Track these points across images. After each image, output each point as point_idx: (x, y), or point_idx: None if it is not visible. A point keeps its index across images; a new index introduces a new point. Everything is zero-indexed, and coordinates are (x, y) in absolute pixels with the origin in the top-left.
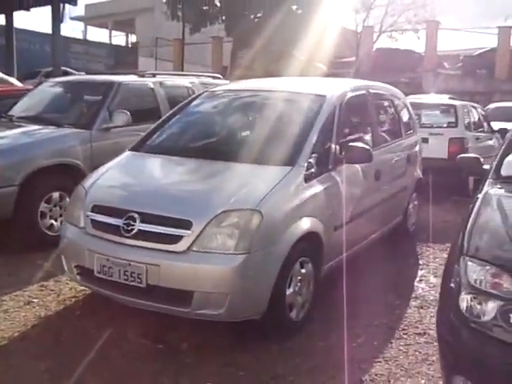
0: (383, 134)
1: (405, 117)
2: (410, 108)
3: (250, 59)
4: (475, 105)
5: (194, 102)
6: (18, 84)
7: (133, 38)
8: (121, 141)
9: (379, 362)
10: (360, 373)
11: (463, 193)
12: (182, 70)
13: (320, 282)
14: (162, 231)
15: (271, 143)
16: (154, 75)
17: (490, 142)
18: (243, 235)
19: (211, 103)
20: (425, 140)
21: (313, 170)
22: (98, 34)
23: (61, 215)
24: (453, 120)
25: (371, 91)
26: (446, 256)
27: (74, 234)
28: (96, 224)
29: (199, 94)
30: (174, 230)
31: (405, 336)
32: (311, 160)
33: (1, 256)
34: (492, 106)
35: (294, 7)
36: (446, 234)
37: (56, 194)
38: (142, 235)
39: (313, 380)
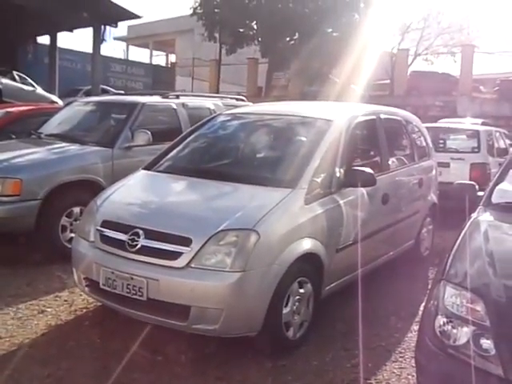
0: (393, 159)
1: (419, 142)
2: (426, 133)
3: (285, 81)
4: (501, 130)
5: (207, 125)
6: (59, 101)
7: (173, 58)
8: (141, 159)
9: (370, 383)
10: None
11: None
12: (218, 90)
13: (320, 302)
14: (164, 247)
15: (275, 166)
16: (177, 96)
17: None
18: (239, 254)
19: (223, 126)
20: (446, 165)
21: (315, 192)
22: (139, 54)
23: None
24: (475, 145)
25: (382, 116)
26: None
27: (84, 248)
28: (104, 238)
29: (213, 117)
30: (174, 246)
31: (401, 359)
32: (313, 182)
33: (22, 267)
34: None
35: (330, 30)
36: None
37: (77, 209)
38: (145, 250)
39: None
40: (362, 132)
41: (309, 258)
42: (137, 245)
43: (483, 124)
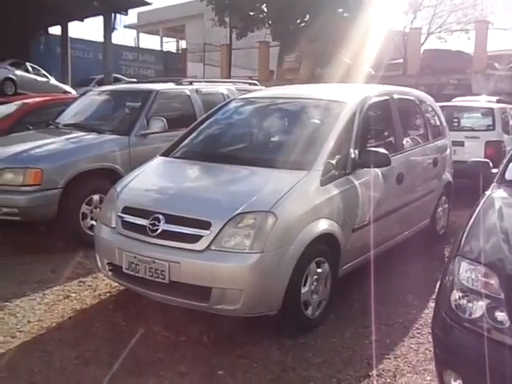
0: (407, 139)
1: (432, 121)
2: (440, 112)
3: (297, 63)
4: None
5: (222, 110)
6: (72, 91)
7: (183, 44)
8: (157, 146)
9: (388, 358)
10: (368, 368)
11: None
12: (229, 75)
13: (338, 281)
14: (184, 231)
15: (290, 148)
16: (190, 83)
17: None
18: (258, 235)
19: (237, 110)
20: (461, 143)
21: (330, 173)
22: (149, 41)
23: None
24: (490, 123)
25: (395, 96)
26: None
27: (106, 234)
28: (125, 224)
29: (227, 102)
30: (194, 230)
31: (418, 335)
32: (328, 164)
33: (45, 254)
34: None
35: (340, 10)
36: None
37: (96, 197)
38: (166, 235)
39: (321, 373)
40: (376, 113)
41: (325, 238)
42: (158, 229)
43: (498, 101)
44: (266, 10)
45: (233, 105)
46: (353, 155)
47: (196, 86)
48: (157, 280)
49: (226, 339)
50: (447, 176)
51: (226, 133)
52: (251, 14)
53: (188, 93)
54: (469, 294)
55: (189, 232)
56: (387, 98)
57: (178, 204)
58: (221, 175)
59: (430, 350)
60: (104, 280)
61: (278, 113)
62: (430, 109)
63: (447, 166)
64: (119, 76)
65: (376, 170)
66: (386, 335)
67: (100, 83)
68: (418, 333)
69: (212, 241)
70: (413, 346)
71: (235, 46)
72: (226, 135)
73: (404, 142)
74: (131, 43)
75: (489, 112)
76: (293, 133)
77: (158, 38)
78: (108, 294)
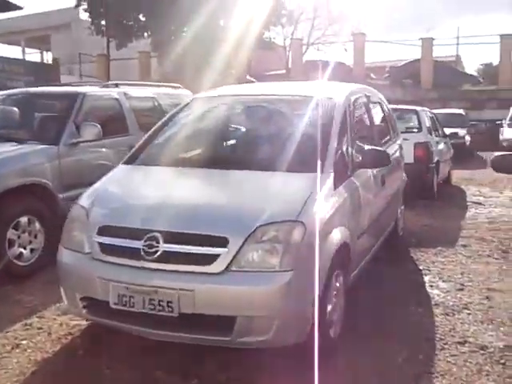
0: (381, 137)
1: (391, 119)
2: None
3: (177, 74)
4: (427, 109)
5: (187, 110)
6: None
7: (49, 56)
8: (92, 156)
9: (436, 376)
10: None
11: (430, 196)
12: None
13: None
14: (193, 251)
15: (293, 149)
16: (116, 85)
17: (441, 146)
18: (286, 250)
19: (208, 110)
20: None
21: (337, 175)
22: (9, 52)
23: (30, 242)
24: (417, 125)
25: (367, 94)
26: (441, 260)
27: (78, 261)
28: (106, 248)
29: (188, 102)
30: (207, 248)
31: (446, 346)
32: (335, 165)
33: None
34: None
35: (221, 22)
36: (431, 238)
37: (24, 219)
38: (169, 257)
39: None
40: (358, 110)
41: (342, 248)
42: (157, 251)
43: None
44: (143, 19)
45: (201, 104)
46: (352, 155)
47: (123, 89)
48: (161, 314)
49: (248, 377)
50: (404, 176)
51: (208, 134)
52: (129, 23)
53: (116, 96)
54: None
55: (200, 251)
56: (362, 95)
57: (180, 219)
58: (220, 182)
59: (471, 362)
60: (55, 319)
61: (265, 111)
62: (388, 108)
63: (402, 165)
64: None
65: (368, 170)
66: (414, 350)
67: None
68: (445, 344)
69: (232, 260)
70: (449, 359)
71: (114, 56)
72: (210, 136)
73: (380, 140)
74: None
75: (413, 114)
76: (290, 132)
77: (18, 48)
78: (69, 337)
